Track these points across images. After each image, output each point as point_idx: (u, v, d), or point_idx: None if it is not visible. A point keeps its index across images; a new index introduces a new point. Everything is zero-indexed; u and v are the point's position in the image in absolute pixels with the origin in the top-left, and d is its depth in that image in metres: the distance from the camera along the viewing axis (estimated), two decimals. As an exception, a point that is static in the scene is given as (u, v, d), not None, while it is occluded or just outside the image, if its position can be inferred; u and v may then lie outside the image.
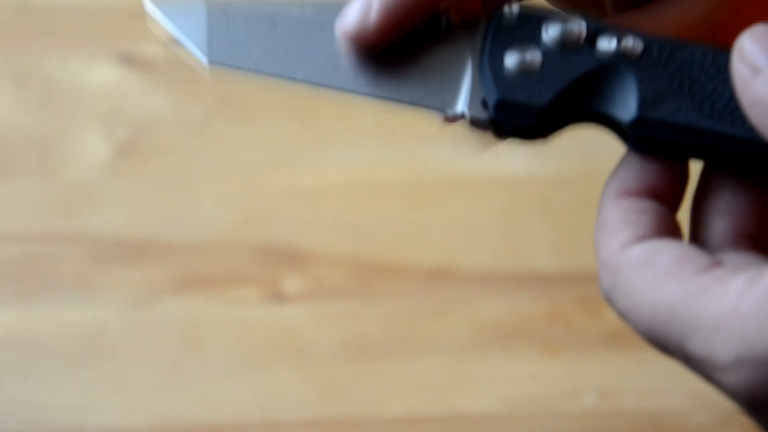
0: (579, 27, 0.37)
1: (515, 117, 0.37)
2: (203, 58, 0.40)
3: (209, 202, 0.91)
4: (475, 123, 0.38)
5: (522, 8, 0.38)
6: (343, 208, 0.90)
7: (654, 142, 0.37)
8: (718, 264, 0.34)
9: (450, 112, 0.38)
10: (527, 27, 0.37)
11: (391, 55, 0.38)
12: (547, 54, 0.37)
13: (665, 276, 0.34)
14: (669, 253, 0.35)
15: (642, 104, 0.37)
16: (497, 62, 0.37)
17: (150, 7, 0.41)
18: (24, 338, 0.85)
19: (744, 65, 0.35)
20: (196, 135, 0.95)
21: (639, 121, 0.37)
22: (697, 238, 0.37)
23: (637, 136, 0.37)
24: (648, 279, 0.34)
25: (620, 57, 0.37)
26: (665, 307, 0.33)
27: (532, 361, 0.86)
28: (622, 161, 0.38)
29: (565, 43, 0.37)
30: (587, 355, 0.86)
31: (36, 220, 0.90)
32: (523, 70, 0.37)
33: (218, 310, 0.87)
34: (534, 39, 0.37)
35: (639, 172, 0.37)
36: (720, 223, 0.37)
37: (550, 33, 0.37)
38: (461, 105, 0.38)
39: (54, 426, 0.82)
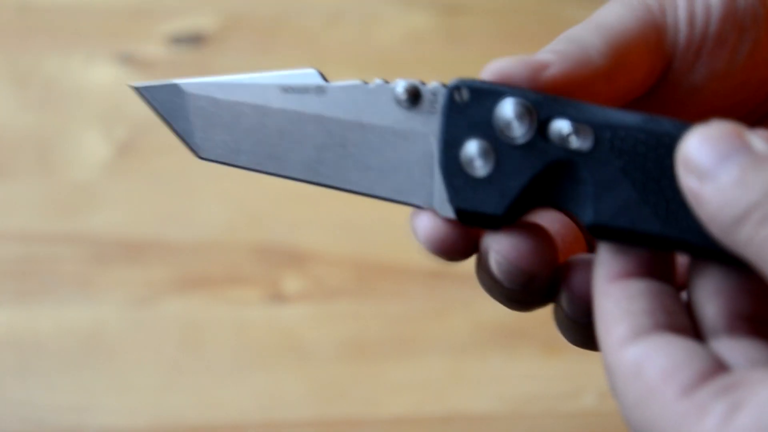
0: (530, 112, 0.36)
1: (477, 222, 0.37)
2: (196, 153, 0.41)
3: (209, 202, 0.91)
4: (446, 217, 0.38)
5: (473, 88, 0.37)
6: (343, 208, 0.90)
7: (617, 240, 0.36)
8: (712, 372, 0.33)
9: (424, 207, 0.38)
10: (479, 110, 0.37)
11: (364, 144, 0.39)
12: (501, 149, 0.37)
13: (650, 394, 0.33)
14: (658, 363, 0.33)
15: (596, 209, 0.36)
16: (453, 163, 0.37)
17: (135, 89, 0.42)
18: (24, 338, 0.85)
19: (690, 176, 0.33)
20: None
21: (594, 227, 0.36)
22: (696, 323, 0.35)
23: (598, 238, 0.36)
24: (635, 395, 0.33)
25: (571, 152, 0.36)
26: (650, 431, 0.33)
27: (532, 361, 0.86)
28: (601, 245, 0.37)
29: (516, 132, 0.36)
30: (587, 355, 0.86)
31: (36, 220, 0.90)
32: (477, 171, 0.37)
33: (218, 310, 0.87)
34: (487, 126, 0.37)
35: (623, 253, 0.36)
36: (712, 307, 0.35)
37: (502, 119, 0.37)
38: (433, 198, 0.38)
39: (54, 426, 0.82)
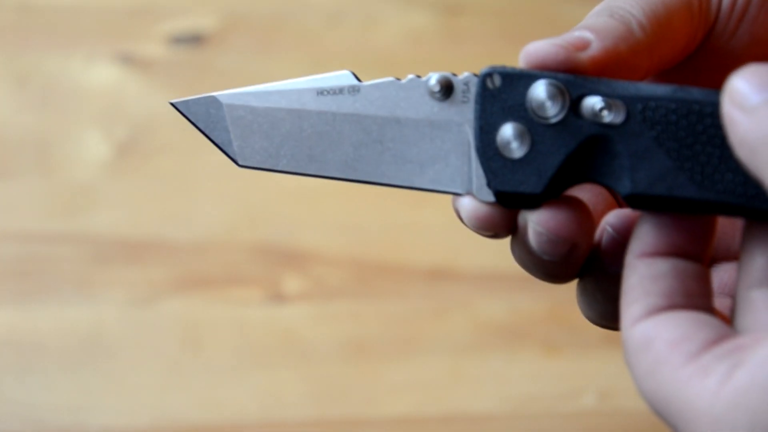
0: (562, 92, 0.37)
1: (517, 203, 0.38)
2: (235, 161, 0.42)
3: (209, 202, 0.91)
4: (487, 202, 0.39)
5: (504, 73, 0.38)
6: (343, 208, 0.90)
7: (655, 209, 0.37)
8: (719, 339, 0.34)
9: (463, 194, 0.39)
10: (512, 94, 0.38)
11: (400, 138, 0.40)
12: (535, 130, 0.38)
13: (658, 363, 0.34)
14: (666, 335, 0.35)
15: (632, 179, 0.37)
16: (489, 148, 0.38)
17: (174, 105, 0.43)
18: (24, 338, 0.85)
19: (733, 106, 0.34)
20: (196, 135, 0.95)
21: (632, 197, 0.37)
22: (741, 273, 0.36)
23: (636, 208, 0.37)
24: (645, 365, 0.35)
25: (604, 127, 0.37)
26: (660, 397, 0.35)
27: (532, 361, 0.86)
28: (640, 219, 0.37)
29: (550, 112, 0.37)
30: (587, 355, 0.86)
31: (36, 220, 0.90)
32: (514, 151, 0.38)
33: (218, 310, 0.87)
34: (520, 109, 0.38)
35: (656, 230, 0.37)
36: (762, 258, 0.35)
37: (535, 100, 0.37)
38: (472, 185, 0.39)
39: (54, 426, 0.82)
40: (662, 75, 0.40)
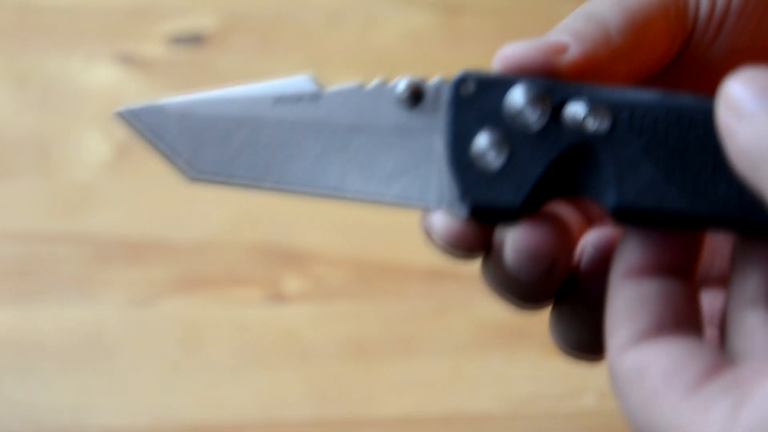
0: (542, 97, 0.35)
1: (494, 218, 0.36)
2: (184, 175, 0.39)
3: (209, 202, 0.91)
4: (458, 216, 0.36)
5: (479, 78, 0.35)
6: (343, 208, 0.90)
7: (642, 223, 0.34)
8: (715, 369, 0.32)
9: (433, 208, 0.37)
10: (488, 100, 0.35)
11: (365, 149, 0.37)
12: (513, 139, 0.35)
13: (653, 396, 0.32)
14: (660, 365, 0.33)
15: (618, 191, 0.34)
16: (463, 158, 0.35)
17: (119, 114, 0.39)
18: (24, 338, 0.85)
19: (729, 112, 0.32)
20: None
21: (618, 210, 0.34)
22: (733, 293, 0.34)
23: (622, 222, 0.35)
24: (638, 398, 0.33)
25: (588, 136, 0.34)
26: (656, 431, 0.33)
27: (532, 361, 0.86)
28: (624, 236, 0.35)
29: (529, 119, 0.35)
30: (587, 355, 0.86)
31: (36, 220, 0.90)
32: (491, 162, 0.35)
33: (218, 310, 0.87)
34: (497, 117, 0.35)
35: (642, 246, 0.34)
36: (755, 277, 0.33)
37: (513, 107, 0.35)
38: (443, 198, 0.36)
39: (54, 426, 0.82)
40: (640, 84, 0.38)
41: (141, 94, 0.95)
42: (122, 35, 0.98)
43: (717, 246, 0.41)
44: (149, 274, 0.88)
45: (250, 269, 0.88)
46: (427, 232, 0.37)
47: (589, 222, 0.40)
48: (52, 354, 0.84)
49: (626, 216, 0.34)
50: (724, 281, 0.38)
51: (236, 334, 0.86)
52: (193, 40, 0.99)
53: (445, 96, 0.36)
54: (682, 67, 0.38)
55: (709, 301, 0.40)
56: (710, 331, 0.37)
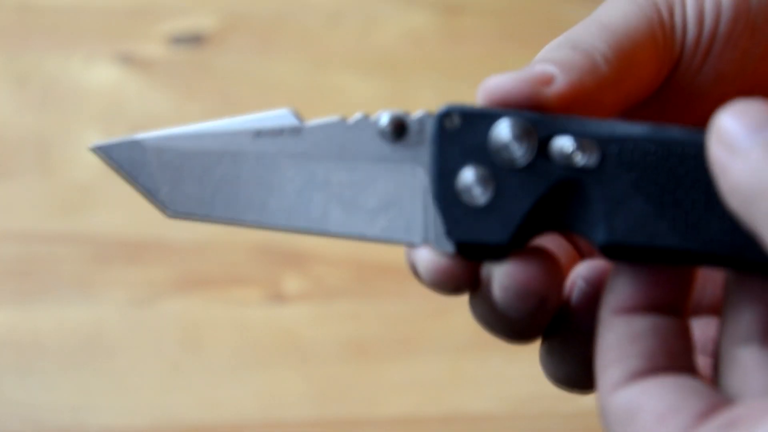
0: (528, 131, 0.34)
1: (481, 254, 0.35)
2: (163, 211, 0.38)
3: (209, 202, 0.91)
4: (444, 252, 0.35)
5: (464, 112, 0.34)
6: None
7: (633, 259, 0.34)
8: (710, 409, 0.31)
9: (418, 244, 0.36)
10: (473, 135, 0.34)
11: (348, 184, 0.36)
12: (499, 174, 0.34)
13: None
14: (652, 406, 0.32)
15: (608, 227, 0.33)
16: (448, 194, 0.34)
17: (94, 149, 0.39)
18: (24, 338, 0.85)
19: (721, 147, 0.31)
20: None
21: (608, 247, 0.33)
22: (726, 329, 0.33)
23: (611, 258, 0.34)
24: None
25: (577, 171, 0.34)
26: None
27: (532, 361, 0.85)
28: (614, 272, 0.34)
29: (516, 154, 0.34)
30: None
31: (36, 220, 0.90)
32: (477, 198, 0.34)
33: (218, 310, 0.87)
34: (482, 151, 0.34)
35: (633, 282, 0.34)
36: (748, 313, 0.33)
37: (499, 141, 0.34)
38: (428, 234, 0.36)
39: (54, 426, 0.82)
40: (627, 113, 0.37)
41: (141, 94, 0.95)
42: (122, 35, 0.98)
43: (708, 273, 0.40)
44: (149, 274, 0.88)
45: (250, 269, 0.88)
46: (413, 268, 0.37)
47: (579, 251, 0.39)
48: (52, 354, 0.84)
49: (616, 253, 0.34)
50: (716, 309, 0.38)
51: (236, 334, 0.86)
52: (193, 40, 0.99)
53: (429, 130, 0.35)
54: (670, 93, 0.38)
55: (702, 328, 0.40)
56: (703, 360, 0.36)
